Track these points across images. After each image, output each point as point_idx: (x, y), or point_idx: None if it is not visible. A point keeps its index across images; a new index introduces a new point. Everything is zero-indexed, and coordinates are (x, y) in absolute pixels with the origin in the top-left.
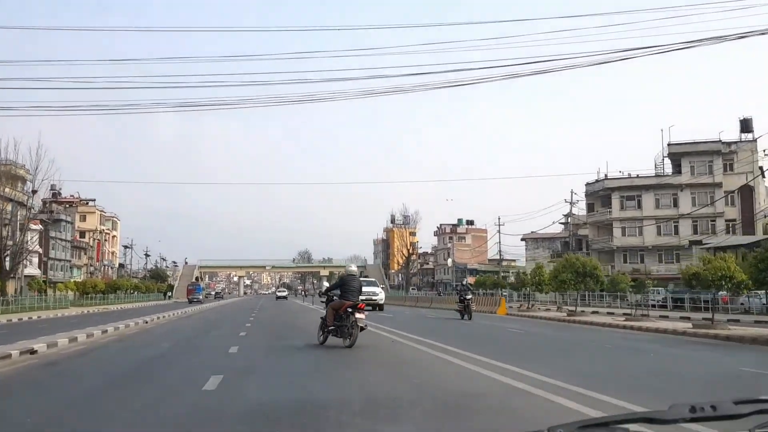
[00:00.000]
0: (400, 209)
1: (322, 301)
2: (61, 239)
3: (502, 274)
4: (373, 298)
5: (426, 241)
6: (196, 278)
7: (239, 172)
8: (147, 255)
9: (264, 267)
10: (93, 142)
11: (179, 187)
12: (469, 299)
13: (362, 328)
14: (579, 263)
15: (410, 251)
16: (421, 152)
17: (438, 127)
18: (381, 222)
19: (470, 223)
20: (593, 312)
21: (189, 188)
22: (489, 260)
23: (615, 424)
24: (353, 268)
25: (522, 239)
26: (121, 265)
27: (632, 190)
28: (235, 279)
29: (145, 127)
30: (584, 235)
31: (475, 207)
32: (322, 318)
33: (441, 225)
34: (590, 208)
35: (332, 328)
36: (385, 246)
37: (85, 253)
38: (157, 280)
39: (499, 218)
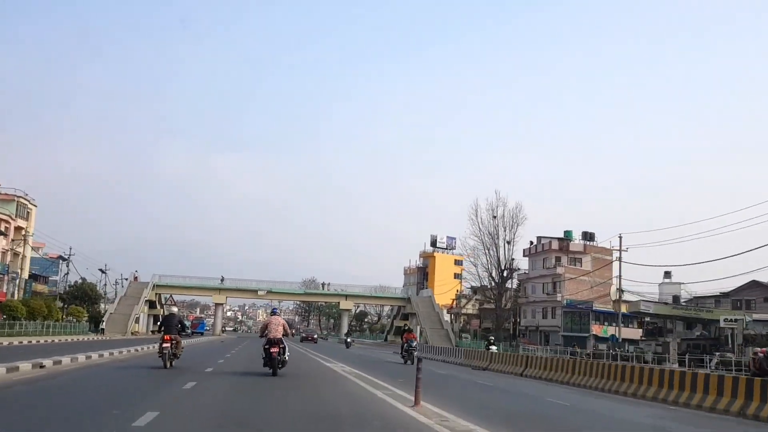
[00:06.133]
0: (488, 201)
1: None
2: None
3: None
4: None
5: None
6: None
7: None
8: (63, 259)
9: (256, 291)
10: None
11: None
12: None
13: (175, 355)
14: None
15: (504, 272)
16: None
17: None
18: (413, 248)
19: (589, 237)
20: None
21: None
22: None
23: None
24: (174, 309)
25: None
26: (37, 276)
27: None
28: (223, 309)
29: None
30: None
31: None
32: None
33: (539, 238)
34: None
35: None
36: (421, 276)
37: None
38: (83, 301)
39: None
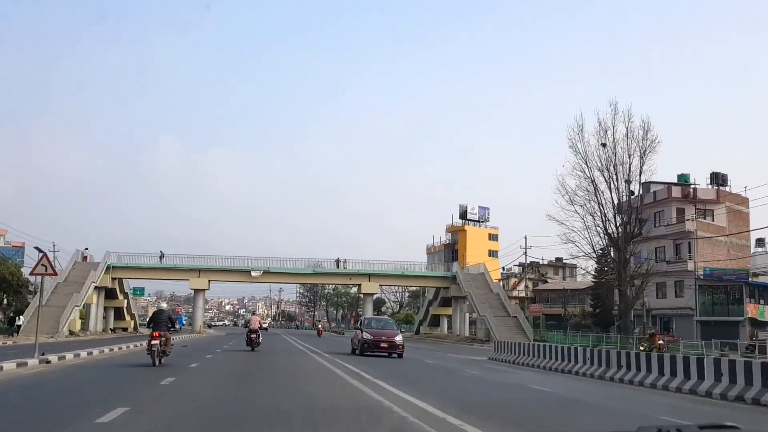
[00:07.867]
0: (599, 117)
1: None
2: None
3: None
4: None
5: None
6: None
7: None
8: None
9: (249, 272)
10: None
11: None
12: None
13: (164, 352)
14: None
15: (629, 227)
16: None
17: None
18: (437, 224)
19: (720, 181)
20: None
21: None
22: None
23: None
24: (164, 305)
25: None
26: None
27: None
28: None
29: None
30: None
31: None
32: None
33: (645, 184)
34: None
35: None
36: (449, 254)
37: None
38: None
39: None
